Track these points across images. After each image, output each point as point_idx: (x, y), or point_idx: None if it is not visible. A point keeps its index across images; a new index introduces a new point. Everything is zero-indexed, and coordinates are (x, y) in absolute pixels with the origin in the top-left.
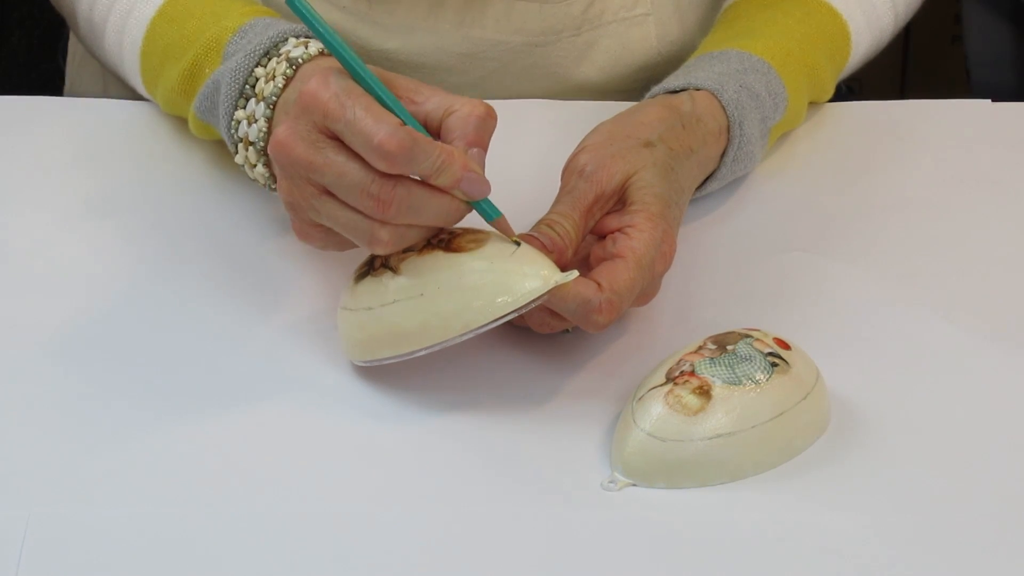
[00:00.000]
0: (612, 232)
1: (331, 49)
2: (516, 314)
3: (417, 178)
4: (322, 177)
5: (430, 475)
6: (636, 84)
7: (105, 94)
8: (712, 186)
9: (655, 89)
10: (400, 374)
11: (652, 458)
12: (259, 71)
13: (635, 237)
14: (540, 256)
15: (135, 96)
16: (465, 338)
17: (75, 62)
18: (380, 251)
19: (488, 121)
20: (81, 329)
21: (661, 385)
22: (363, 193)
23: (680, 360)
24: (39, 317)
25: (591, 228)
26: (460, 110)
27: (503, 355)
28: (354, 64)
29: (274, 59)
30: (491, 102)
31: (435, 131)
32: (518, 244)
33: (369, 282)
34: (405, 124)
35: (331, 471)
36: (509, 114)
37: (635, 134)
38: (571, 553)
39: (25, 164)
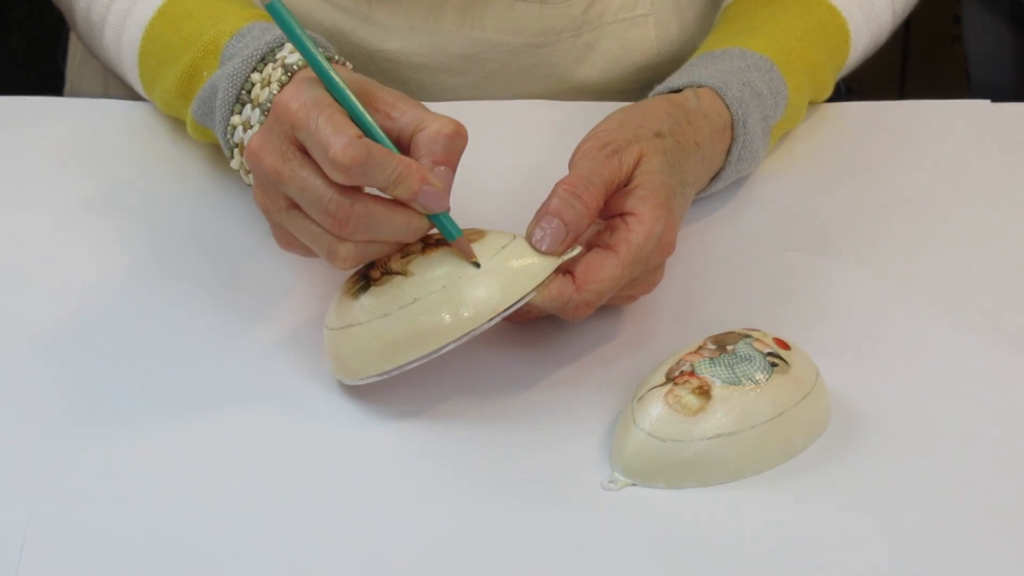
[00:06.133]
0: (614, 216)
1: (304, 56)
2: (535, 293)
3: (379, 194)
4: (287, 189)
5: (430, 476)
6: (636, 84)
7: (105, 94)
8: (717, 186)
9: (658, 88)
10: (399, 377)
11: (652, 458)
12: (255, 76)
13: (634, 229)
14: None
15: (135, 96)
16: (492, 324)
17: (75, 63)
18: (340, 267)
19: (456, 140)
20: (81, 329)
21: (661, 385)
22: (321, 209)
23: (680, 360)
24: (38, 317)
25: None
26: (429, 128)
27: (502, 355)
28: (326, 74)
29: (270, 65)
30: (491, 102)
31: (406, 147)
32: (477, 266)
33: (376, 292)
34: (366, 136)
35: (330, 472)
36: (509, 114)
37: (646, 124)
38: (571, 553)
39: (25, 164)
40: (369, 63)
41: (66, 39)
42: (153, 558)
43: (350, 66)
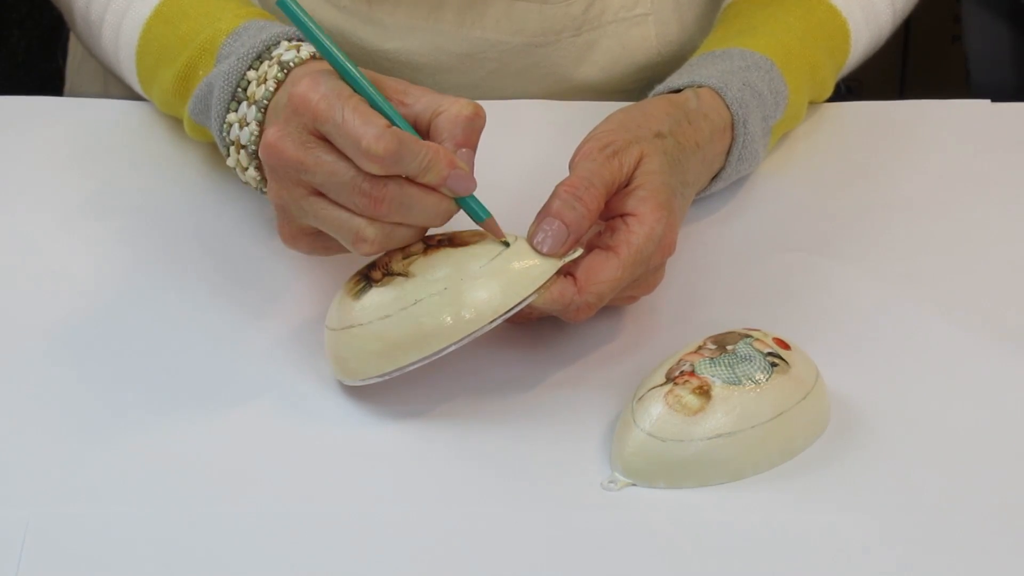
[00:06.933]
0: (615, 216)
1: (320, 49)
2: (536, 295)
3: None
4: (313, 177)
5: (431, 476)
6: (636, 84)
7: (105, 94)
8: (717, 185)
9: (658, 88)
10: (399, 377)
11: (652, 458)
12: (251, 74)
13: (635, 230)
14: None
15: (135, 96)
16: (493, 325)
17: (75, 62)
18: (365, 250)
19: (476, 121)
20: (80, 329)
21: (661, 385)
22: (355, 191)
23: (680, 360)
24: (38, 317)
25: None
26: (448, 111)
27: (502, 356)
28: (344, 64)
29: (266, 62)
30: (491, 102)
31: (424, 132)
32: (507, 245)
33: (377, 293)
34: (393, 124)
35: (330, 472)
36: (509, 114)
37: (646, 124)
38: (571, 553)
39: (25, 164)
40: (369, 63)
41: (66, 39)
42: (153, 558)
43: None
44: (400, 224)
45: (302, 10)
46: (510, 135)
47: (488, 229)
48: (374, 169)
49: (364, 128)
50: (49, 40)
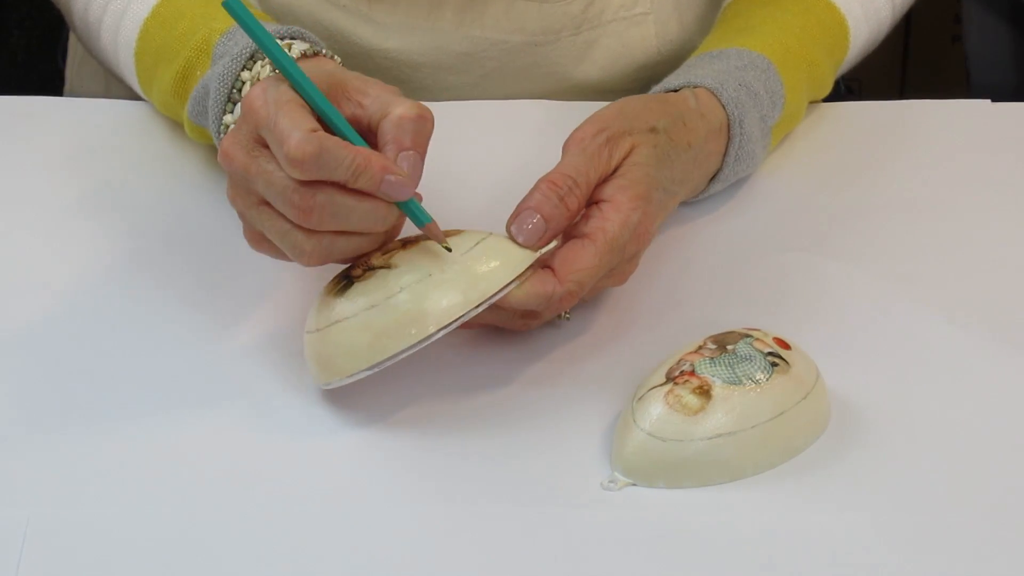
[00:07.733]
0: (591, 204)
1: (264, 51)
2: (518, 282)
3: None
4: (256, 185)
5: (429, 476)
6: (636, 83)
7: (106, 94)
8: (715, 187)
9: (655, 88)
10: (399, 377)
11: (652, 458)
12: (245, 75)
13: (610, 217)
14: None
15: (135, 96)
16: (478, 311)
17: (75, 62)
18: (305, 262)
19: (421, 123)
20: (80, 329)
21: (661, 385)
22: (286, 201)
23: (680, 360)
24: (37, 317)
25: None
26: (392, 113)
27: (501, 355)
28: (286, 69)
29: (259, 63)
30: (491, 102)
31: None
32: (449, 250)
33: (361, 286)
34: (335, 130)
35: (329, 472)
36: (509, 114)
37: (644, 116)
38: (571, 553)
39: (24, 164)
40: (368, 62)
41: (66, 39)
42: (153, 558)
43: (338, 60)
44: (341, 233)
45: (245, 12)
46: (510, 135)
47: (429, 233)
48: (296, 174)
49: (289, 132)
50: (49, 40)
